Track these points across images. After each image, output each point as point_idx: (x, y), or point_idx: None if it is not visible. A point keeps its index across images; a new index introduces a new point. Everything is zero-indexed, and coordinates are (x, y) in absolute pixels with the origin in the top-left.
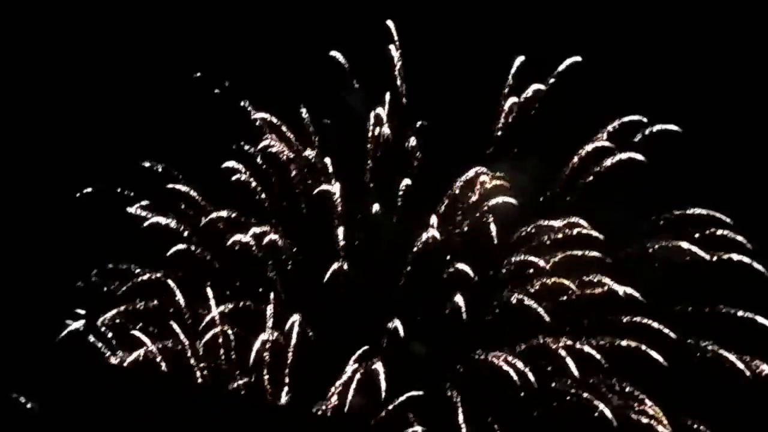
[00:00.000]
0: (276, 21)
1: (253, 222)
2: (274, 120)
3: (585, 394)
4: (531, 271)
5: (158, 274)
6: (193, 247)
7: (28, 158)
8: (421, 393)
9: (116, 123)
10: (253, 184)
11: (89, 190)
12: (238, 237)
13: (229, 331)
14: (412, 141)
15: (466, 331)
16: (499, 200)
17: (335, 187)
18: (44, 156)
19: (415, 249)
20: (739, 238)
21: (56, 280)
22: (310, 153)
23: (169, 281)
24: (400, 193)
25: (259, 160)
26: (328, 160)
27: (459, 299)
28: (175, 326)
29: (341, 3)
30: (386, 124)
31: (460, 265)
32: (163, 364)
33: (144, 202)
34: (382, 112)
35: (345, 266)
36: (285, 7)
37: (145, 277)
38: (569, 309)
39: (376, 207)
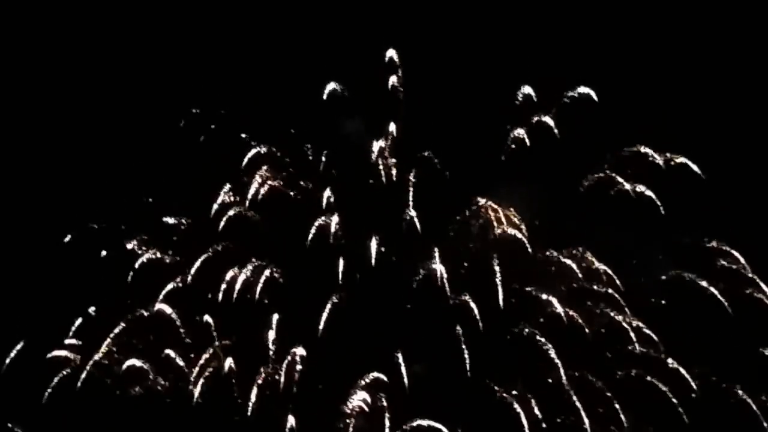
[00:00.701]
0: (274, 52)
1: (251, 256)
2: (272, 152)
3: (592, 429)
4: (537, 303)
5: (156, 308)
6: (189, 280)
7: (24, 192)
8: (424, 424)
9: (111, 158)
10: (251, 217)
11: (93, 226)
12: (236, 271)
13: (230, 363)
14: (415, 172)
15: (471, 364)
16: (505, 231)
17: (334, 219)
18: (40, 190)
19: (417, 281)
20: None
21: (53, 317)
22: (309, 185)
23: (169, 313)
24: (403, 224)
25: (257, 192)
26: (327, 192)
27: (463, 332)
28: (178, 360)
29: (342, 32)
30: (388, 155)
31: (464, 297)
32: (164, 398)
33: (141, 237)
34: (384, 143)
35: (345, 299)
36: (282, 39)
37: (144, 312)
38: (576, 341)
39: (377, 239)
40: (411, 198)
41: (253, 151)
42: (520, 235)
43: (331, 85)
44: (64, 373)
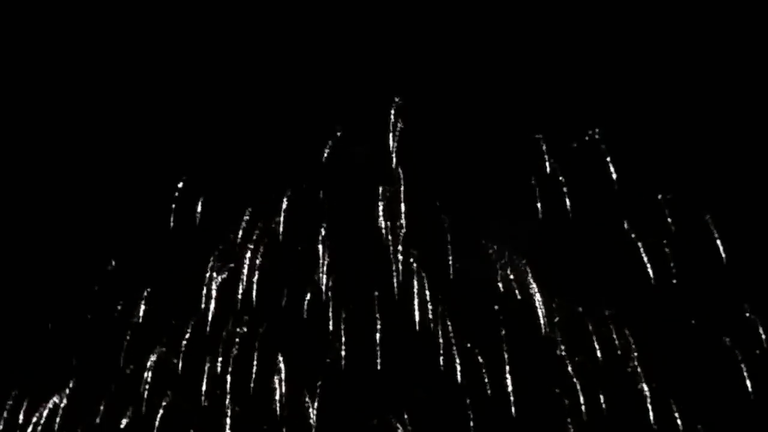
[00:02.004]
0: (272, 104)
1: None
2: (270, 209)
3: None
4: (545, 356)
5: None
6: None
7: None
8: None
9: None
10: (245, 278)
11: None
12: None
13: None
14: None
15: (475, 418)
16: (511, 283)
17: (333, 274)
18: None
19: (417, 334)
20: None
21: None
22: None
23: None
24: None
25: (249, 254)
26: (325, 247)
27: (467, 386)
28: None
29: (346, 79)
30: (390, 203)
31: (468, 350)
32: None
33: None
34: (387, 193)
35: (344, 356)
36: (281, 92)
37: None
38: (587, 398)
39: (377, 294)
40: (415, 252)
41: (245, 210)
42: (527, 287)
43: (334, 133)
44: None
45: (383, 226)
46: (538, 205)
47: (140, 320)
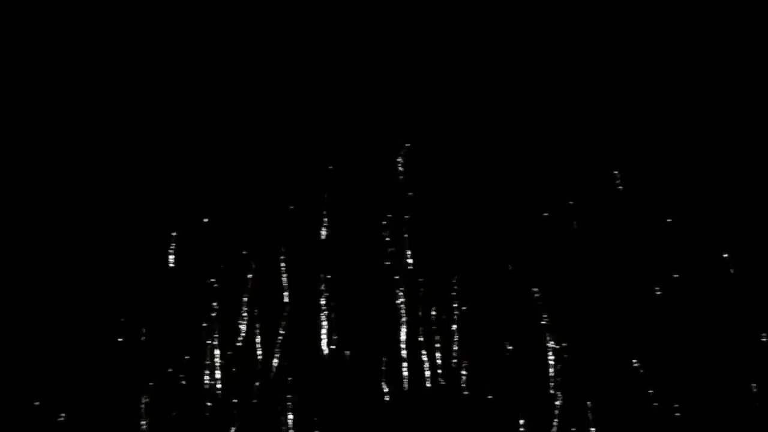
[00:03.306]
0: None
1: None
2: (262, 263)
3: None
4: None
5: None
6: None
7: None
8: None
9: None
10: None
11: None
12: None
13: None
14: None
15: None
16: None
17: (327, 338)
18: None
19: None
20: None
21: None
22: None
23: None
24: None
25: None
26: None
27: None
28: None
29: (350, 121)
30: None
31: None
32: None
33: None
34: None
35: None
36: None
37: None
38: None
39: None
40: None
41: (240, 258)
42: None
43: (338, 166)
44: None
45: (388, 255)
46: (543, 218)
47: (143, 342)
